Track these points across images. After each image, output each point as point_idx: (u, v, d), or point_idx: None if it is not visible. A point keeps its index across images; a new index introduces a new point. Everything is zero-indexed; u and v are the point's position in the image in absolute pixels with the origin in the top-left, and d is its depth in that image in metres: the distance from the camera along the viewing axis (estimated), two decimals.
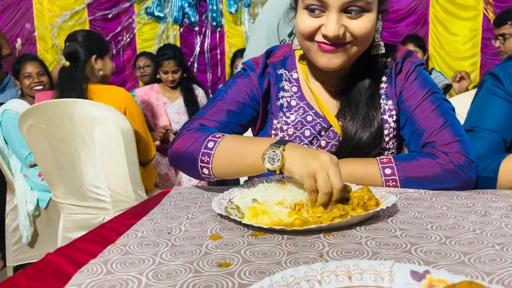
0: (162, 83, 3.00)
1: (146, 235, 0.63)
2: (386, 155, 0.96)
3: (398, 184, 0.86)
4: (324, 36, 0.85)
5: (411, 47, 3.23)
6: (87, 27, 4.38)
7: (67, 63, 1.98)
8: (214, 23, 4.31)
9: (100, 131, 1.83)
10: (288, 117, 1.00)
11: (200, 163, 0.86)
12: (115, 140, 1.85)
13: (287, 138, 0.99)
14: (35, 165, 2.32)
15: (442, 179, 0.84)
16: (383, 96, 0.97)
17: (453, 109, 0.95)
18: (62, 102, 1.83)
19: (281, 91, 1.02)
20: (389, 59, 0.99)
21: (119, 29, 4.39)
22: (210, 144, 0.85)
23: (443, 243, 0.56)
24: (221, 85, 1.08)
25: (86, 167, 1.89)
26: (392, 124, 0.97)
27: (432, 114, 0.92)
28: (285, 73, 1.03)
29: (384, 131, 0.95)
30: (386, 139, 0.96)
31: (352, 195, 0.75)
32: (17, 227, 2.41)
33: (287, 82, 1.02)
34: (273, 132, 1.00)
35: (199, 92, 3.07)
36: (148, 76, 3.46)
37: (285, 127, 0.99)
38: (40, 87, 2.52)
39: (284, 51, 1.05)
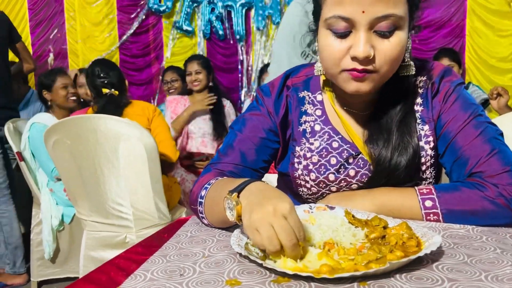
0: (192, 94, 3.00)
1: (156, 277, 0.56)
2: (425, 185, 0.86)
3: (441, 218, 0.76)
4: (353, 58, 0.74)
5: (445, 61, 3.09)
6: (116, 41, 4.44)
7: (116, 92, 2.21)
8: (238, 37, 4.29)
9: (124, 147, 1.81)
10: (312, 144, 0.90)
11: (199, 214, 0.81)
12: (139, 157, 1.82)
13: (311, 166, 0.90)
14: (61, 179, 2.32)
15: (492, 214, 0.74)
16: (418, 121, 0.86)
17: (501, 134, 0.84)
18: (86, 118, 1.81)
19: (304, 115, 0.92)
20: (424, 79, 0.88)
21: (147, 43, 4.43)
22: (203, 193, 0.80)
23: None
24: (233, 121, 0.99)
25: (110, 184, 1.86)
26: (430, 152, 0.86)
27: (477, 140, 0.81)
28: (308, 95, 0.94)
29: (421, 159, 0.85)
30: (423, 168, 0.86)
31: (389, 233, 0.66)
32: (42, 242, 2.41)
33: (310, 105, 0.93)
34: (296, 160, 0.92)
35: (227, 103, 3.04)
36: (176, 90, 3.46)
37: (308, 155, 0.90)
38: (74, 98, 2.58)
39: (307, 71, 0.96)
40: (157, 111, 2.24)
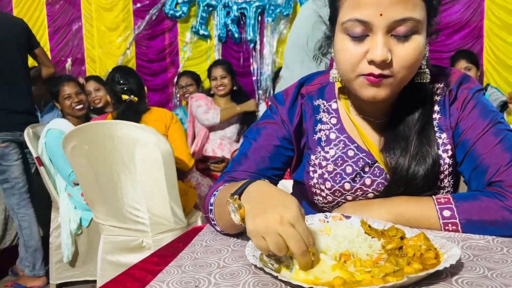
0: (214, 96, 3.04)
1: None
2: (442, 194, 0.84)
3: (459, 228, 0.75)
4: (370, 62, 0.73)
5: (463, 63, 3.04)
6: (133, 45, 4.49)
7: (135, 99, 2.25)
8: (249, 38, 4.29)
9: (141, 153, 1.82)
10: (327, 152, 0.89)
11: (211, 221, 0.82)
12: (155, 163, 1.83)
13: (326, 175, 0.89)
14: (78, 183, 2.35)
15: None
16: (436, 129, 0.85)
17: None
18: (103, 124, 1.83)
19: (319, 124, 0.92)
20: (441, 86, 0.86)
21: (163, 47, 4.47)
22: (212, 200, 0.81)
23: None
24: (248, 130, 0.99)
25: (126, 189, 1.88)
26: (448, 160, 0.84)
27: (497, 148, 0.79)
28: (323, 103, 0.93)
29: (439, 168, 0.83)
30: (441, 176, 0.84)
31: (406, 244, 0.65)
32: (60, 245, 2.45)
33: (325, 113, 0.92)
34: (311, 168, 0.91)
35: None
36: (191, 95, 3.48)
37: (324, 163, 0.89)
38: (80, 106, 2.57)
39: (322, 78, 0.95)
40: (175, 118, 2.27)
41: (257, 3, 4.23)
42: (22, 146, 2.57)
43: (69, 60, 4.54)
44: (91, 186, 1.96)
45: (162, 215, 1.91)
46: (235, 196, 0.66)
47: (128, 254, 1.98)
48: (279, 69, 3.82)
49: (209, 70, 3.05)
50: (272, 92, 3.88)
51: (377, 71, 0.73)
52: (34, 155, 2.46)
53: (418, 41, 0.73)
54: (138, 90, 2.28)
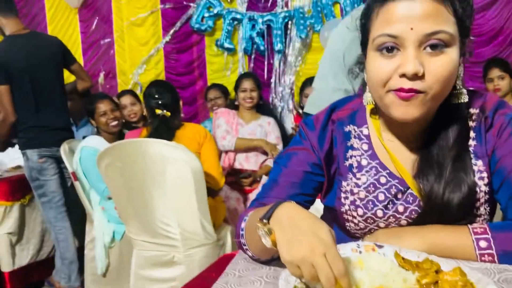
0: (238, 110, 3.06)
1: None
2: (478, 222, 0.82)
3: (496, 259, 0.73)
4: (402, 76, 0.73)
5: (496, 72, 2.97)
6: (162, 61, 4.59)
7: (168, 114, 2.24)
8: (277, 49, 4.31)
9: (172, 170, 1.86)
10: (359, 179, 0.89)
11: (243, 246, 0.83)
12: (186, 179, 1.87)
13: (358, 202, 0.88)
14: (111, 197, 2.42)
15: None
16: (471, 155, 0.83)
17: None
18: (135, 142, 1.89)
19: (350, 150, 0.91)
20: (477, 111, 0.85)
21: (191, 61, 4.55)
22: (243, 225, 0.82)
23: None
24: (278, 155, 0.99)
25: (157, 205, 1.92)
26: (484, 188, 0.82)
27: None
28: (353, 129, 0.92)
29: (476, 196, 0.82)
30: (477, 204, 0.82)
31: (441, 278, 0.65)
32: (94, 257, 2.51)
33: (357, 140, 0.92)
34: (342, 195, 0.91)
35: (271, 120, 3.06)
36: (219, 108, 3.53)
37: (355, 190, 0.89)
38: (115, 123, 2.63)
39: (353, 104, 0.95)
40: (208, 135, 2.26)
41: (283, 14, 4.25)
42: (59, 161, 2.66)
43: (101, 74, 4.68)
44: (124, 202, 2.01)
45: (193, 231, 1.94)
46: (264, 221, 0.67)
47: (160, 269, 2.01)
48: (308, 79, 3.82)
49: (238, 82, 3.05)
50: (300, 101, 3.86)
51: (408, 85, 0.73)
52: (70, 170, 2.55)
53: (450, 55, 0.73)
54: (172, 105, 2.27)
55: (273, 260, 0.80)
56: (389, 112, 0.78)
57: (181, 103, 2.37)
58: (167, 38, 4.48)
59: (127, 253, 2.36)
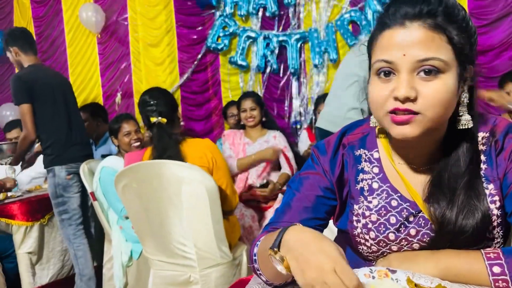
0: (245, 129, 3.09)
1: None
2: (492, 247, 0.82)
3: (510, 285, 0.73)
4: (395, 99, 0.76)
5: (511, 86, 2.93)
6: (177, 79, 4.67)
7: (164, 120, 2.08)
8: (293, 70, 4.35)
9: (187, 190, 1.89)
10: (370, 202, 0.90)
11: (256, 271, 0.84)
12: (201, 199, 1.89)
13: (370, 225, 0.89)
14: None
15: None
16: (482, 179, 0.84)
17: None
18: (151, 164, 1.92)
19: (361, 173, 0.92)
20: (487, 135, 0.85)
21: (206, 79, 4.63)
22: (255, 250, 0.84)
23: None
24: (290, 179, 1.01)
25: (174, 225, 1.95)
26: (496, 212, 0.82)
27: None
28: (364, 153, 0.94)
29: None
30: (490, 227, 0.82)
31: None
32: (113, 276, 2.54)
33: (367, 163, 0.93)
34: (354, 218, 0.92)
35: (276, 133, 3.05)
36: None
37: (367, 213, 0.90)
38: (138, 143, 2.70)
39: (363, 128, 0.96)
40: (217, 150, 2.17)
41: (297, 36, 4.30)
42: (80, 179, 2.73)
43: (118, 94, 4.78)
44: (141, 222, 2.04)
45: (208, 250, 1.96)
46: (275, 249, 0.69)
47: None
48: (321, 96, 3.84)
49: (238, 102, 3.08)
50: (315, 119, 3.87)
51: (402, 106, 0.76)
52: (89, 190, 2.60)
53: (445, 80, 0.75)
54: (168, 112, 2.12)
55: (287, 285, 0.81)
56: (389, 131, 0.81)
57: (179, 112, 2.25)
58: (185, 78, 4.60)
59: (144, 272, 2.38)
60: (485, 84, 3.53)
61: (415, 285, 0.71)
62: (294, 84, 4.38)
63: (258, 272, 0.84)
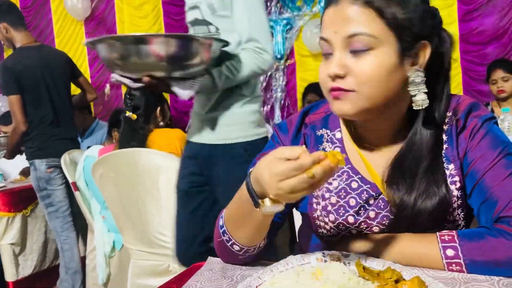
0: None
1: None
2: (451, 229, 0.79)
3: (464, 268, 0.71)
4: (329, 77, 0.76)
5: (500, 73, 2.91)
6: None
7: (134, 116, 2.10)
8: (279, 56, 4.29)
9: (164, 179, 1.86)
10: (330, 183, 0.86)
11: (226, 243, 0.83)
12: None
13: (329, 207, 0.86)
14: None
15: None
16: (443, 159, 0.81)
17: None
18: (126, 152, 1.90)
19: None
20: (449, 114, 0.82)
21: None
22: (221, 222, 0.84)
23: None
24: (252, 163, 0.94)
25: (152, 214, 1.92)
26: (456, 193, 0.79)
27: (508, 180, 0.74)
28: (326, 133, 0.91)
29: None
30: (450, 209, 0.79)
31: None
32: (96, 267, 2.52)
33: (329, 143, 0.90)
34: (314, 200, 0.89)
35: (268, 127, 3.02)
36: None
37: (327, 195, 0.87)
38: None
39: (326, 107, 0.93)
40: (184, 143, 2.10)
41: (284, 22, 4.26)
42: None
43: (107, 85, 4.74)
44: (119, 211, 2.02)
45: None
46: (259, 200, 0.71)
47: (156, 278, 2.01)
48: (309, 85, 3.80)
49: None
50: (303, 107, 3.84)
51: (333, 84, 0.76)
52: (70, 181, 2.57)
53: (375, 56, 0.73)
54: (144, 109, 2.11)
55: (260, 247, 0.85)
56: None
57: (158, 110, 2.20)
58: None
59: (127, 262, 2.36)
60: (474, 71, 3.51)
61: (363, 268, 0.69)
62: (280, 71, 4.32)
63: (229, 242, 0.82)
